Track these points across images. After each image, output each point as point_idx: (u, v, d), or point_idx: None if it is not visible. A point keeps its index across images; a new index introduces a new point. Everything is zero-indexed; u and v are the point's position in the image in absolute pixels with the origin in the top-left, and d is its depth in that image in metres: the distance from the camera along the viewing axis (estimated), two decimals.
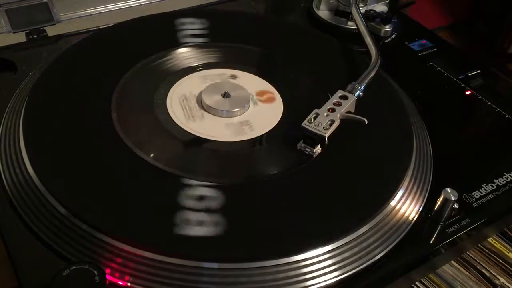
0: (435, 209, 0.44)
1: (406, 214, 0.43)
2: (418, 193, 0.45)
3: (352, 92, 0.49)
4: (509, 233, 0.49)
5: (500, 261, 0.46)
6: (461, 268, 0.45)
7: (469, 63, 0.62)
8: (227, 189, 0.43)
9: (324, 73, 0.56)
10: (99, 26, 0.62)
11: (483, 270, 0.45)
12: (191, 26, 0.61)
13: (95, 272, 0.34)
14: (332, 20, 0.67)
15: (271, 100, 0.51)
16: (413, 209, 0.44)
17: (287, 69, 0.57)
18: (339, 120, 0.46)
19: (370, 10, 0.66)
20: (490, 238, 0.48)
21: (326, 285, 0.38)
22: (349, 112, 0.48)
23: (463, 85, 0.59)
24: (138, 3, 0.67)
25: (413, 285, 0.44)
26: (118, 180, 0.42)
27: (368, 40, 0.57)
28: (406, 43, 0.66)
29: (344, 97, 0.48)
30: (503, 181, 0.48)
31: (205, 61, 0.56)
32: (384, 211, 0.42)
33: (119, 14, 0.65)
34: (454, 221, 0.44)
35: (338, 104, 0.48)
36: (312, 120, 0.46)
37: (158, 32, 0.59)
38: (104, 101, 0.49)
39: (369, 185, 0.44)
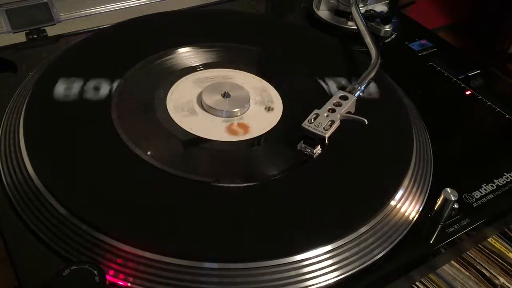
0: (435, 209, 0.44)
1: (406, 214, 0.44)
2: (418, 193, 0.45)
3: (352, 92, 0.49)
4: (509, 233, 0.49)
5: (500, 261, 0.46)
6: (461, 268, 0.45)
7: (469, 63, 0.62)
8: (227, 189, 0.43)
9: (324, 73, 0.56)
10: (99, 26, 0.62)
11: (483, 270, 0.45)
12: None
13: (95, 272, 0.34)
14: (332, 20, 0.67)
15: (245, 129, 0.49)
16: (413, 209, 0.44)
17: (287, 69, 0.57)
18: (339, 120, 0.46)
19: (370, 10, 0.66)
20: (490, 238, 0.48)
21: (326, 285, 0.38)
22: (349, 112, 0.48)
23: (463, 85, 0.59)
24: (138, 3, 0.67)
25: (413, 285, 0.44)
26: (118, 180, 0.42)
27: (368, 40, 0.57)
28: (406, 43, 0.66)
29: (344, 98, 0.48)
30: (503, 181, 0.48)
31: (205, 61, 0.56)
32: (384, 211, 0.42)
33: (119, 14, 0.65)
34: (454, 221, 0.44)
35: (338, 105, 0.48)
36: (312, 121, 0.46)
37: (158, 32, 0.59)
38: (104, 101, 0.49)
39: (369, 185, 0.44)
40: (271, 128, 0.49)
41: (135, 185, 0.42)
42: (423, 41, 0.66)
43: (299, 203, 0.42)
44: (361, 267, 0.40)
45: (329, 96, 0.49)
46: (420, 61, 0.63)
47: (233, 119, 0.49)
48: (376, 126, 0.48)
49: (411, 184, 0.45)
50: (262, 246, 0.39)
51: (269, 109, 0.51)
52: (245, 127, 0.48)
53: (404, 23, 0.69)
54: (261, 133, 0.48)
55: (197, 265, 0.37)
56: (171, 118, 0.49)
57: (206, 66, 0.55)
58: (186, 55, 0.56)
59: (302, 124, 0.46)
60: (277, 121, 0.50)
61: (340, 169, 0.46)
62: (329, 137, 0.45)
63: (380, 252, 0.41)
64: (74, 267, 0.34)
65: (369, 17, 0.65)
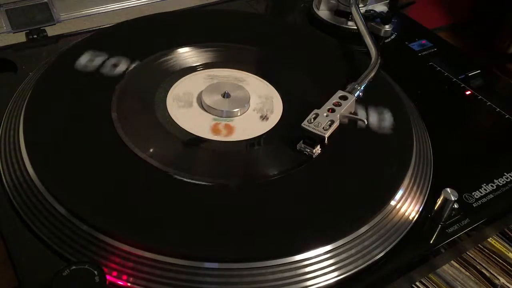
0: (435, 209, 0.44)
1: (406, 214, 0.44)
2: (418, 193, 0.45)
3: (351, 92, 0.49)
4: (509, 233, 0.49)
5: (500, 261, 0.46)
6: (461, 268, 0.45)
7: (469, 63, 0.62)
8: (226, 189, 0.43)
9: (324, 73, 0.56)
10: (99, 26, 0.62)
11: (483, 270, 0.45)
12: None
13: (95, 272, 0.34)
14: (332, 20, 0.67)
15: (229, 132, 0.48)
16: (413, 209, 0.44)
17: (287, 69, 0.57)
18: (338, 120, 0.46)
19: (370, 10, 0.66)
20: (490, 238, 0.48)
21: (326, 285, 0.38)
22: (349, 112, 0.48)
23: (463, 85, 0.59)
24: (138, 3, 0.67)
25: (413, 285, 0.44)
26: (118, 180, 0.42)
27: (368, 40, 0.57)
28: (406, 43, 0.66)
29: (344, 98, 0.48)
30: (503, 181, 0.48)
31: (205, 61, 0.56)
32: (384, 211, 0.42)
33: (119, 14, 0.65)
34: (454, 221, 0.44)
35: (338, 105, 0.48)
36: (312, 121, 0.46)
37: (158, 32, 0.59)
38: (104, 101, 0.49)
39: (369, 185, 0.44)
40: (271, 128, 0.49)
41: (135, 185, 0.42)
42: (423, 41, 0.66)
43: (299, 203, 0.42)
44: (361, 267, 0.40)
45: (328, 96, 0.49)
46: (420, 61, 0.63)
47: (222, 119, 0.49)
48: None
49: (411, 184, 0.45)
50: (262, 246, 0.39)
51: (264, 118, 0.51)
52: (230, 129, 0.48)
53: (404, 23, 0.69)
54: (261, 133, 0.48)
55: (197, 265, 0.37)
56: (171, 118, 0.49)
57: (205, 66, 0.56)
58: (186, 55, 0.56)
59: (302, 124, 0.46)
60: (277, 121, 0.50)
61: (340, 169, 0.46)
62: (328, 137, 0.45)
63: (380, 252, 0.41)
64: (74, 267, 0.34)
65: (369, 17, 0.65)
